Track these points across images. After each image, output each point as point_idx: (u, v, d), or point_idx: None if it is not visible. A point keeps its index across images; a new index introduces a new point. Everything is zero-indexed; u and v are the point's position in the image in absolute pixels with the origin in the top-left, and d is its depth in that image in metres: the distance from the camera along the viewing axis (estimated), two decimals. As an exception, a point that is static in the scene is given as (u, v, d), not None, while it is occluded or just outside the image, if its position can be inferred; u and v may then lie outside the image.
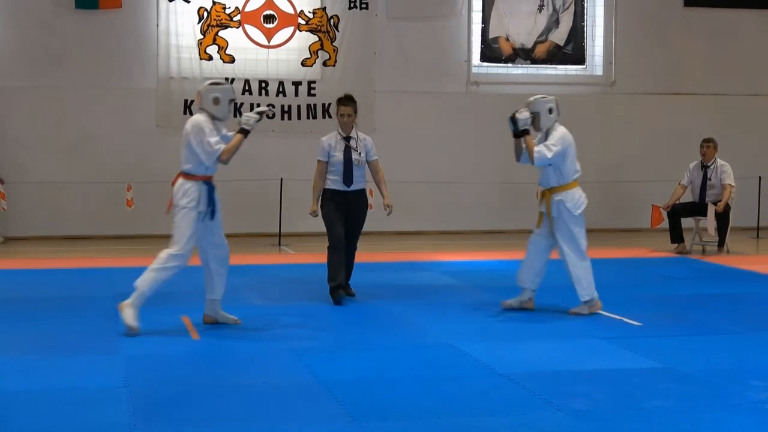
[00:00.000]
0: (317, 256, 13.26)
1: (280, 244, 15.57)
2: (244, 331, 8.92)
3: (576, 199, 9.83)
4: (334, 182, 10.45)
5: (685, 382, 7.19)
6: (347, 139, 10.49)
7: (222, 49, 16.49)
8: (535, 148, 9.65)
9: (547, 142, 9.67)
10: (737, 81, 18.40)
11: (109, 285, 11.33)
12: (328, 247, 10.48)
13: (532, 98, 9.90)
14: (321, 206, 10.57)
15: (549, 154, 9.60)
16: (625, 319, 9.42)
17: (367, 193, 10.82)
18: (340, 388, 6.97)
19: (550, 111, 9.76)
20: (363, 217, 10.64)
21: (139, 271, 12.59)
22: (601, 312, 9.81)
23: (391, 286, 11.41)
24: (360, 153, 10.47)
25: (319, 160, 10.51)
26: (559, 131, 9.75)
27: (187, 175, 9.09)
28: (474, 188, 17.37)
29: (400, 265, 13.31)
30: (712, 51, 18.33)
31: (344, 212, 10.46)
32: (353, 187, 10.46)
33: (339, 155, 10.41)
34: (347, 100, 10.54)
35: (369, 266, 12.73)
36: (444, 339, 8.59)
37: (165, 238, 15.92)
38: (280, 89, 16.70)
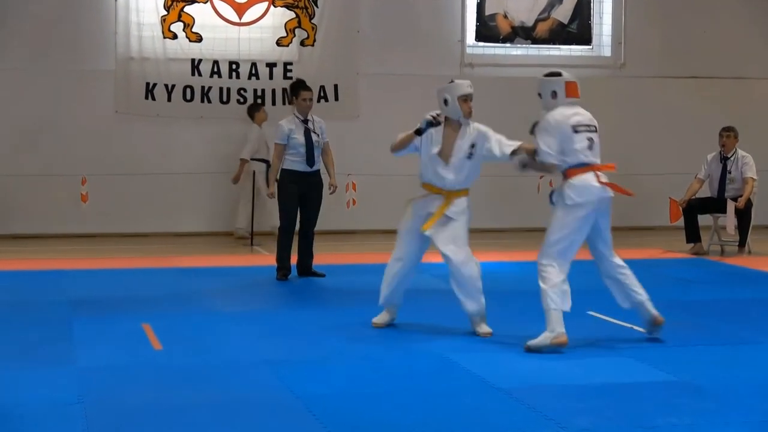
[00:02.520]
0: (293, 257, 13.23)
1: (252, 243, 15.54)
2: (211, 341, 8.90)
3: None
4: (296, 163, 11.91)
5: (702, 397, 7.20)
6: (305, 121, 11.99)
7: (188, 26, 16.45)
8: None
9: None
10: (761, 63, 18.43)
11: (61, 289, 11.31)
12: (280, 228, 12.07)
13: (468, 84, 9.66)
14: (279, 188, 11.98)
15: None
16: (636, 327, 9.43)
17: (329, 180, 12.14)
18: (319, 403, 6.95)
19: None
20: (320, 197, 12.11)
21: (95, 273, 12.63)
22: (610, 319, 9.82)
23: (376, 291, 11.39)
24: (318, 135, 11.95)
25: (277, 144, 11.99)
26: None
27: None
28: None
29: (385, 267, 13.27)
30: (732, 30, 18.35)
31: (303, 193, 11.90)
32: (315, 168, 11.97)
33: (300, 138, 11.89)
34: (307, 84, 12.23)
35: (352, 268, 12.73)
36: (434, 349, 8.58)
37: (123, 237, 16.11)
38: (253, 71, 16.67)
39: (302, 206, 12.02)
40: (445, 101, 9.32)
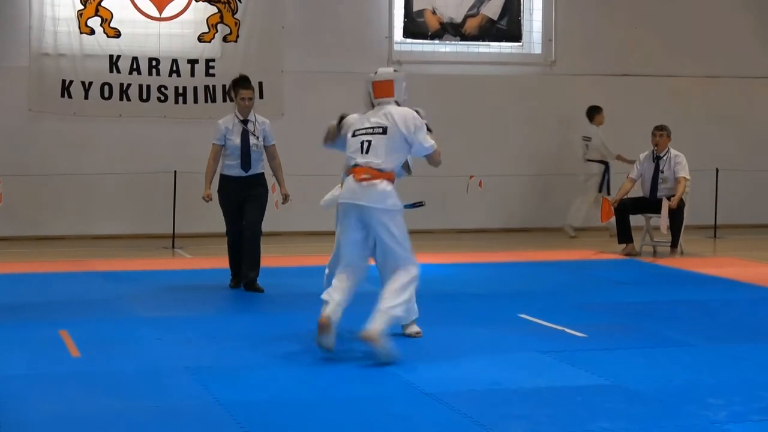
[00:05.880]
0: (217, 260, 13.19)
1: (173, 246, 15.47)
2: (132, 348, 8.83)
3: None
4: (231, 168, 11.41)
5: (635, 401, 7.27)
6: (245, 122, 11.43)
7: (106, 21, 16.32)
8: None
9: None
10: (693, 61, 18.64)
11: (-27, 295, 11.19)
12: (227, 242, 11.67)
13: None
14: (219, 193, 11.51)
15: None
16: (568, 330, 9.50)
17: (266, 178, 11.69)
18: (243, 411, 6.93)
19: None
20: (262, 200, 11.54)
21: (9, 278, 12.49)
22: (542, 322, 9.89)
23: (303, 295, 11.37)
24: (258, 137, 11.40)
25: (213, 144, 11.50)
26: None
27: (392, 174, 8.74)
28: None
29: (311, 270, 13.25)
30: (664, 27, 18.55)
31: (242, 199, 11.39)
32: (251, 172, 11.40)
33: (236, 139, 11.37)
34: (248, 82, 11.51)
35: (278, 271, 12.69)
36: (363, 354, 8.58)
37: (38, 240, 15.94)
38: (174, 68, 16.58)
39: (243, 210, 11.46)
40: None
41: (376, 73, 9.08)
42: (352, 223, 8.71)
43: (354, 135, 8.81)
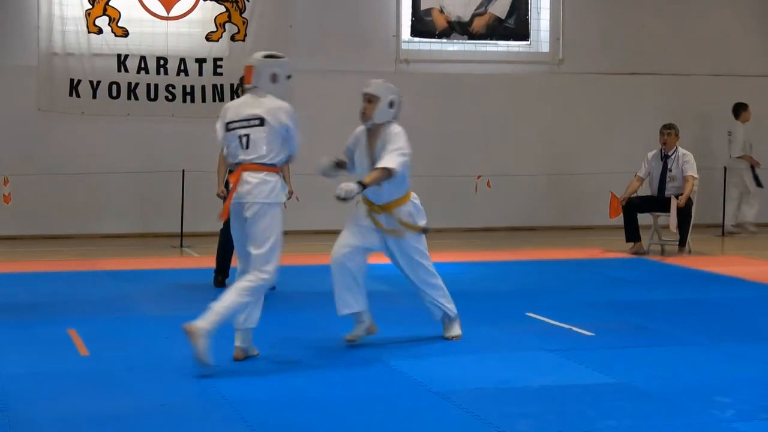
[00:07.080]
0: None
1: (181, 245, 15.48)
2: (140, 346, 8.85)
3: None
4: None
5: (643, 400, 7.27)
6: None
7: (114, 20, 16.34)
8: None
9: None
10: (701, 59, 18.62)
11: (-18, 294, 11.21)
12: (221, 229, 11.40)
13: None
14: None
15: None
16: (575, 329, 9.50)
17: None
18: (251, 409, 6.95)
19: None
20: None
21: (18, 277, 12.51)
22: (549, 321, 9.89)
23: (312, 294, 11.39)
24: None
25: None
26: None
27: (274, 167, 8.47)
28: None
29: (321, 268, 13.25)
30: (672, 25, 18.53)
31: None
32: None
33: None
34: None
35: (286, 270, 12.68)
36: (371, 353, 8.60)
37: (47, 239, 15.96)
38: (182, 67, 16.59)
39: None
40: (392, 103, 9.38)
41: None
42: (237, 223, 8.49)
43: (228, 129, 8.42)
